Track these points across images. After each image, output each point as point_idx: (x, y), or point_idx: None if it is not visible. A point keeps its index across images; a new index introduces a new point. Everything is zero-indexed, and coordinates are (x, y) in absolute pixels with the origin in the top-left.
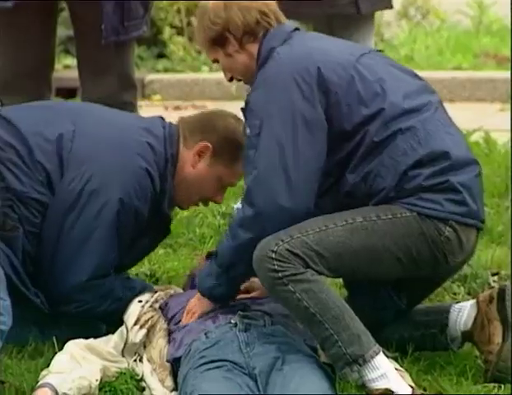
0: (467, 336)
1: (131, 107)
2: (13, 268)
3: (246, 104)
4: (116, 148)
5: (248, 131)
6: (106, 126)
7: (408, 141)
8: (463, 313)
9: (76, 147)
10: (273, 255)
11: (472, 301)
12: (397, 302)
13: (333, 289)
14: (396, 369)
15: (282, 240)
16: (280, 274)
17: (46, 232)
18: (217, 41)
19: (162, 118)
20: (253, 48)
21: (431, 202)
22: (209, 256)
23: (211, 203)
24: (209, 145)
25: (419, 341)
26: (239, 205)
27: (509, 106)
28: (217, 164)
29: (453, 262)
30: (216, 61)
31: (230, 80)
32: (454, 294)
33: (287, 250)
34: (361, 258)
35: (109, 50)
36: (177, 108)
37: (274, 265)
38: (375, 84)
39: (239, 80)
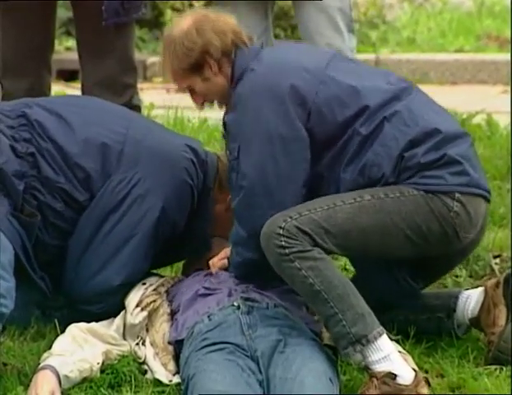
0: (475, 322)
1: (131, 89)
2: (24, 249)
3: (224, 126)
4: (165, 158)
5: (228, 153)
6: (156, 135)
7: (395, 125)
8: (472, 299)
9: (127, 152)
10: (281, 231)
11: (481, 288)
12: (412, 284)
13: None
14: (399, 351)
15: (291, 217)
16: (287, 250)
17: (82, 228)
18: (195, 67)
19: (200, 142)
20: (228, 69)
21: (435, 178)
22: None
23: None
24: None
25: (424, 324)
26: None
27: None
28: None
29: (465, 239)
30: (187, 88)
31: (202, 104)
32: (456, 276)
33: (295, 227)
34: (370, 235)
35: (110, 32)
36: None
37: (281, 241)
38: (350, 84)
39: (212, 103)
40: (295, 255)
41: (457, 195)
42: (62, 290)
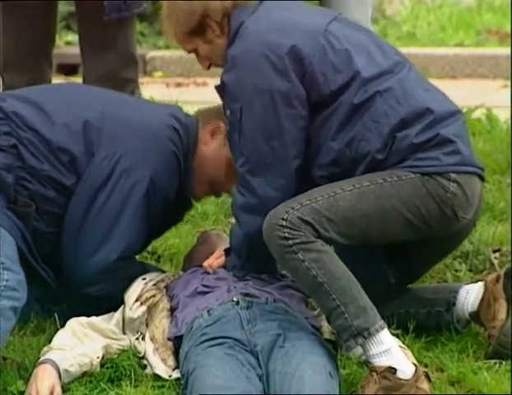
0: (475, 317)
1: (133, 84)
2: (24, 240)
3: (222, 85)
4: (146, 129)
5: (228, 113)
6: (134, 109)
7: (387, 102)
8: (472, 294)
9: (106, 128)
10: (284, 223)
11: (481, 283)
12: (387, 275)
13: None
14: (399, 346)
15: (292, 208)
16: (290, 242)
17: (74, 211)
18: (196, 30)
19: (180, 108)
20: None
21: (430, 160)
22: (227, 251)
23: None
24: (222, 124)
25: (424, 318)
26: None
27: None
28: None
29: (463, 219)
30: (192, 51)
31: (208, 67)
32: (456, 271)
33: (298, 218)
34: (372, 221)
35: (111, 27)
36: (178, 84)
37: (284, 233)
38: (346, 50)
39: (218, 65)
40: (299, 246)
41: (452, 175)
42: (64, 277)
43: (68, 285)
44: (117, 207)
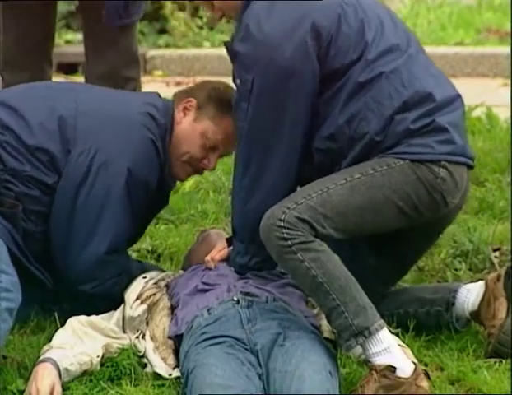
0: (475, 316)
1: (134, 83)
2: (15, 242)
3: (235, 53)
4: (120, 120)
5: (238, 81)
6: (107, 100)
7: (393, 84)
8: (472, 293)
9: (80, 124)
10: (282, 223)
11: (481, 282)
12: (366, 256)
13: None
14: (399, 345)
15: (289, 207)
16: (289, 242)
17: (58, 210)
18: None
19: (158, 93)
20: None
21: (422, 147)
22: (229, 241)
23: (212, 178)
24: (193, 99)
25: (423, 317)
26: None
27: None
28: (202, 119)
29: (451, 203)
30: (207, 1)
31: (220, 18)
32: (456, 269)
33: (295, 217)
34: (365, 213)
35: (113, 27)
36: (178, 83)
37: (283, 233)
38: (361, 21)
39: (231, 17)
40: (298, 246)
41: (443, 163)
42: (58, 276)
43: (64, 284)
44: (99, 201)
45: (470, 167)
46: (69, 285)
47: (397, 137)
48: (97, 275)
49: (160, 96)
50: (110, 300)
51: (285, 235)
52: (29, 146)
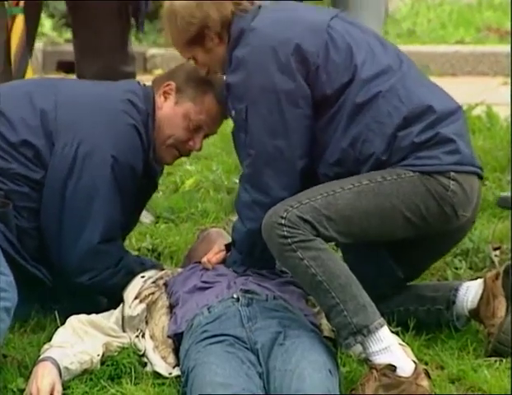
0: (474, 314)
1: (131, 78)
2: (9, 242)
3: (227, 86)
4: (101, 108)
5: (233, 113)
6: (87, 90)
7: (390, 101)
8: (471, 291)
9: (60, 115)
10: (283, 221)
11: (480, 280)
12: (395, 271)
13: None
14: (399, 344)
15: (291, 206)
16: (289, 240)
17: (48, 205)
18: (196, 40)
19: (138, 81)
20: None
21: (429, 159)
22: (228, 247)
23: (212, 177)
24: (172, 82)
25: (424, 315)
26: None
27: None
28: (183, 101)
29: (463, 217)
30: (191, 59)
31: (208, 73)
32: (456, 268)
33: (297, 216)
34: (371, 219)
35: (107, 25)
36: None
37: (284, 231)
38: (348, 46)
39: (216, 72)
40: (298, 245)
41: (452, 174)
42: (57, 273)
43: (62, 279)
44: (87, 192)
45: (480, 177)
46: (67, 279)
47: (403, 153)
48: (92, 265)
49: (139, 84)
50: (109, 295)
51: (285, 233)
52: (13, 143)
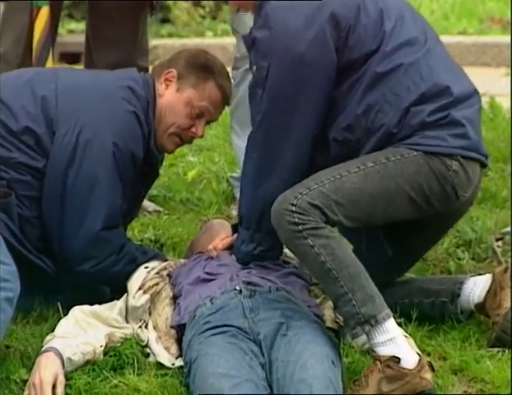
0: (480, 307)
1: (144, 72)
2: (11, 233)
3: (253, 39)
4: (101, 95)
5: (254, 68)
6: (86, 78)
7: (411, 77)
8: (478, 285)
9: (61, 103)
10: (293, 208)
11: (488, 275)
12: (382, 244)
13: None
14: (404, 336)
15: (301, 193)
16: (300, 227)
17: (49, 193)
18: None
19: (136, 69)
20: None
21: (435, 139)
22: (234, 228)
23: (215, 168)
24: (173, 70)
25: (428, 308)
26: (234, 174)
27: None
28: (185, 88)
29: (463, 197)
30: None
31: (237, 10)
32: (459, 259)
33: (307, 202)
34: (377, 202)
35: (123, 16)
36: None
37: (294, 218)
38: (378, 14)
39: (247, 11)
40: (308, 232)
41: (456, 156)
42: (59, 260)
43: (64, 268)
44: (88, 179)
45: (483, 165)
46: (69, 268)
47: (411, 129)
48: (95, 253)
49: (138, 71)
50: (112, 284)
51: (296, 220)
52: (14, 131)
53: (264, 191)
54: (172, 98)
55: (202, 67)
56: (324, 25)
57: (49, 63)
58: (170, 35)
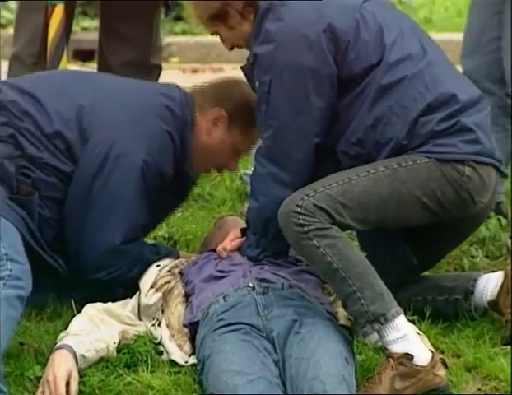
0: (493, 304)
1: (157, 70)
2: (29, 231)
3: (254, 57)
4: (137, 112)
5: (257, 85)
6: (125, 91)
7: (416, 87)
8: (491, 282)
9: (97, 113)
10: (299, 210)
11: (501, 272)
12: (409, 256)
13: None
14: (416, 333)
15: (307, 195)
16: (305, 228)
17: (73, 199)
18: (218, 17)
19: (177, 85)
20: (252, 15)
21: (447, 146)
22: (243, 232)
23: None
24: (224, 113)
25: (442, 305)
26: (247, 171)
27: None
28: (233, 133)
29: (480, 203)
30: (216, 33)
31: (232, 48)
32: (472, 257)
33: (313, 204)
34: (387, 205)
35: (138, 14)
36: (194, 71)
37: (300, 219)
38: (379, 27)
39: (241, 47)
40: (314, 233)
41: (468, 162)
42: (73, 264)
43: (78, 272)
44: (114, 192)
45: (498, 169)
46: (82, 272)
47: (421, 139)
48: (111, 264)
49: (178, 88)
50: (125, 287)
51: (301, 221)
52: (47, 133)
53: (270, 198)
54: (218, 141)
55: (250, 112)
56: (320, 35)
57: (63, 62)
58: (184, 33)
